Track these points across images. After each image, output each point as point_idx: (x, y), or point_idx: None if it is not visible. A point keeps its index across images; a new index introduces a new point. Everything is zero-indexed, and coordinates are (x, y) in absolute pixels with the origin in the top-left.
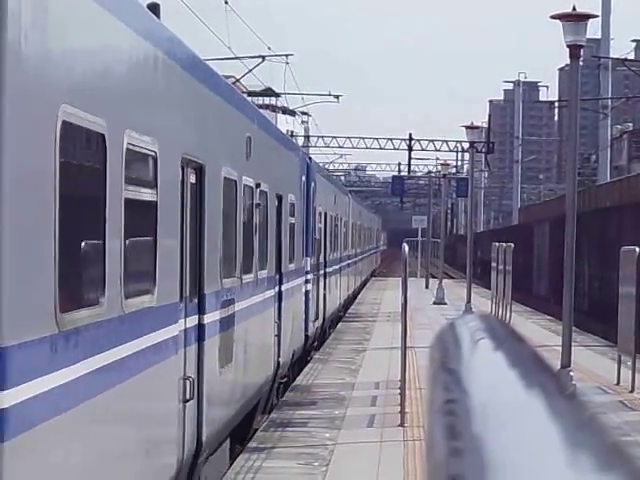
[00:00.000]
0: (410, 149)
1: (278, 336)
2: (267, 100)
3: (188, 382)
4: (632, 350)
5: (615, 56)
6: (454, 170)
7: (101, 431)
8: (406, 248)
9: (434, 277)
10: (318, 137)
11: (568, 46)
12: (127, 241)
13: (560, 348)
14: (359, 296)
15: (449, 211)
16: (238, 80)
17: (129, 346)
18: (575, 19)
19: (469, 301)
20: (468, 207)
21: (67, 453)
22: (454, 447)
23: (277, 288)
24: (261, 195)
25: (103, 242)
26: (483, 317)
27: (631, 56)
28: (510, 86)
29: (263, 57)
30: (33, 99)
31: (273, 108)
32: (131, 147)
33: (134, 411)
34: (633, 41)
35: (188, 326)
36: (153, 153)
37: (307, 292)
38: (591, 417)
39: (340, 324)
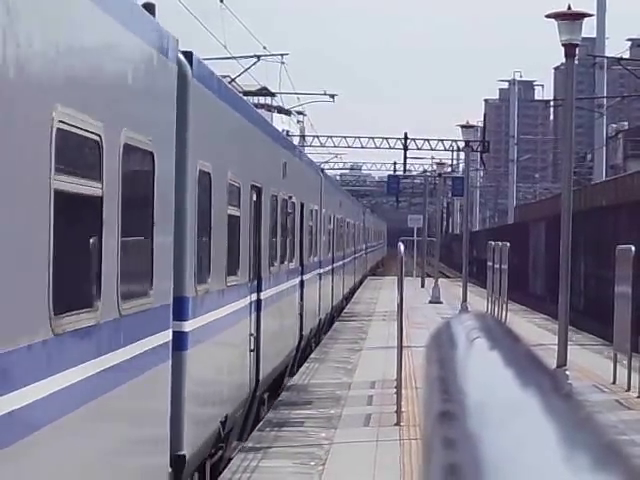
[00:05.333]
0: (405, 148)
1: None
2: (263, 99)
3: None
4: (628, 349)
5: (610, 55)
6: (450, 169)
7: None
8: (402, 247)
9: (430, 276)
10: (313, 137)
11: (563, 45)
12: (229, 241)
13: (556, 347)
14: (355, 295)
15: (445, 210)
16: (234, 80)
17: (231, 306)
18: (570, 18)
19: (465, 300)
20: (464, 206)
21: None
22: (450, 446)
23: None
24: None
25: (209, 240)
26: (479, 316)
27: (626, 55)
28: (505, 85)
29: (258, 57)
30: None
31: (269, 107)
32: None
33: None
34: (628, 40)
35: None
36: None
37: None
38: (587, 416)
39: (336, 323)
